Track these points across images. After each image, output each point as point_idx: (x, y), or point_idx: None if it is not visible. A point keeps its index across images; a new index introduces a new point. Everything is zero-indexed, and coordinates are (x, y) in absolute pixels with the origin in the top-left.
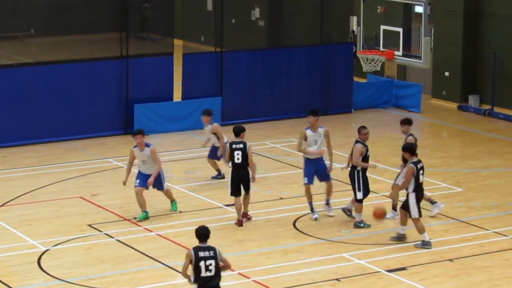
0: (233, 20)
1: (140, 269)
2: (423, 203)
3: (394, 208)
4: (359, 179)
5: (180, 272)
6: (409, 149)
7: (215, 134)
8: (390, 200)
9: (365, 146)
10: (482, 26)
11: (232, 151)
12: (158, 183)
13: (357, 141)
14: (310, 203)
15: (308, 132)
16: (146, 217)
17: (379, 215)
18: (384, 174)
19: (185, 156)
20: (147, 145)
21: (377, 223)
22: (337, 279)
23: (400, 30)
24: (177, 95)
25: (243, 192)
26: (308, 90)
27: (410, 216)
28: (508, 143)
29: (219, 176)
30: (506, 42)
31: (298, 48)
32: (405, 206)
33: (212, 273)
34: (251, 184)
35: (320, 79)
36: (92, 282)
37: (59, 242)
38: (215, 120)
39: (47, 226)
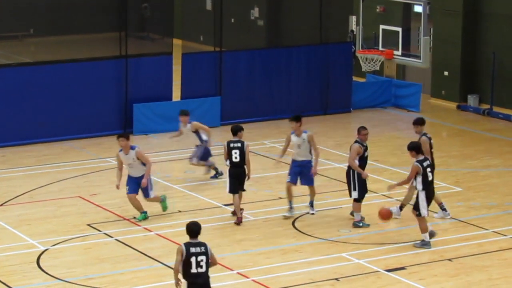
0: (232, 20)
1: (139, 268)
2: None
3: (401, 208)
4: (354, 178)
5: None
6: (414, 148)
7: (196, 132)
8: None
9: (363, 146)
10: (481, 26)
11: (229, 150)
12: (145, 191)
13: (355, 141)
14: (289, 202)
15: (293, 137)
16: (145, 217)
17: (384, 215)
18: (383, 173)
19: (184, 156)
20: (132, 148)
21: (382, 223)
22: (336, 279)
23: (399, 29)
24: (176, 95)
25: None
26: (307, 90)
27: (417, 215)
28: (507, 142)
29: (218, 174)
30: (505, 42)
31: (297, 48)
32: (415, 205)
33: (203, 269)
34: (246, 181)
35: (319, 79)
36: (91, 282)
37: (58, 241)
38: (215, 121)
39: (46, 225)
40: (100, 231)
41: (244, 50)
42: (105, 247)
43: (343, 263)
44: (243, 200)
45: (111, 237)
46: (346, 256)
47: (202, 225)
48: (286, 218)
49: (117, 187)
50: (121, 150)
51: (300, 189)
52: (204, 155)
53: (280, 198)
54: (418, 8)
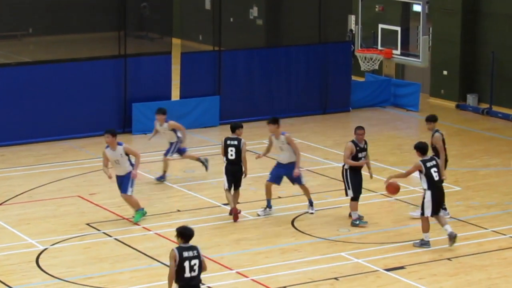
0: (231, 19)
1: (138, 268)
2: None
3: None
4: (347, 177)
5: None
6: (419, 148)
7: (173, 130)
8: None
9: (358, 146)
10: (480, 25)
11: (226, 147)
12: (124, 185)
13: (351, 140)
14: (268, 200)
15: (273, 139)
16: (143, 214)
17: (392, 189)
18: (382, 173)
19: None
20: (119, 144)
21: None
22: (335, 278)
23: (398, 29)
24: (175, 94)
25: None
26: (307, 89)
27: (421, 214)
28: (506, 142)
29: (162, 178)
30: (505, 41)
31: (296, 47)
32: (422, 204)
33: (196, 273)
34: (243, 178)
35: (318, 78)
36: (90, 281)
37: (58, 241)
38: (214, 120)
39: (45, 225)
40: (99, 230)
41: (243, 49)
42: (104, 246)
43: (342, 263)
44: (242, 200)
45: (110, 236)
46: (345, 255)
47: (201, 225)
48: (258, 215)
49: (109, 176)
50: (107, 147)
51: (299, 189)
52: (179, 150)
53: (279, 197)
54: (417, 8)
